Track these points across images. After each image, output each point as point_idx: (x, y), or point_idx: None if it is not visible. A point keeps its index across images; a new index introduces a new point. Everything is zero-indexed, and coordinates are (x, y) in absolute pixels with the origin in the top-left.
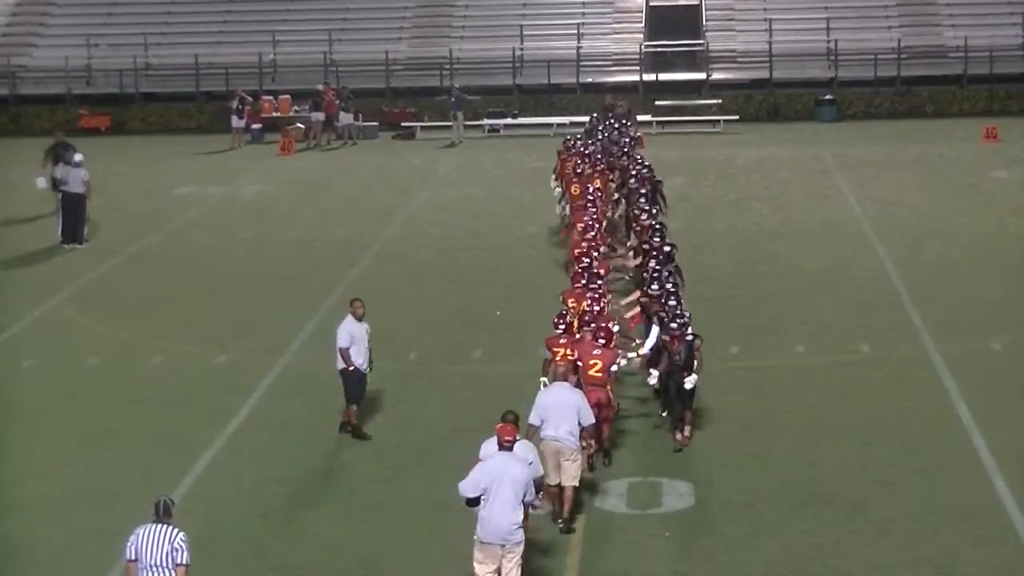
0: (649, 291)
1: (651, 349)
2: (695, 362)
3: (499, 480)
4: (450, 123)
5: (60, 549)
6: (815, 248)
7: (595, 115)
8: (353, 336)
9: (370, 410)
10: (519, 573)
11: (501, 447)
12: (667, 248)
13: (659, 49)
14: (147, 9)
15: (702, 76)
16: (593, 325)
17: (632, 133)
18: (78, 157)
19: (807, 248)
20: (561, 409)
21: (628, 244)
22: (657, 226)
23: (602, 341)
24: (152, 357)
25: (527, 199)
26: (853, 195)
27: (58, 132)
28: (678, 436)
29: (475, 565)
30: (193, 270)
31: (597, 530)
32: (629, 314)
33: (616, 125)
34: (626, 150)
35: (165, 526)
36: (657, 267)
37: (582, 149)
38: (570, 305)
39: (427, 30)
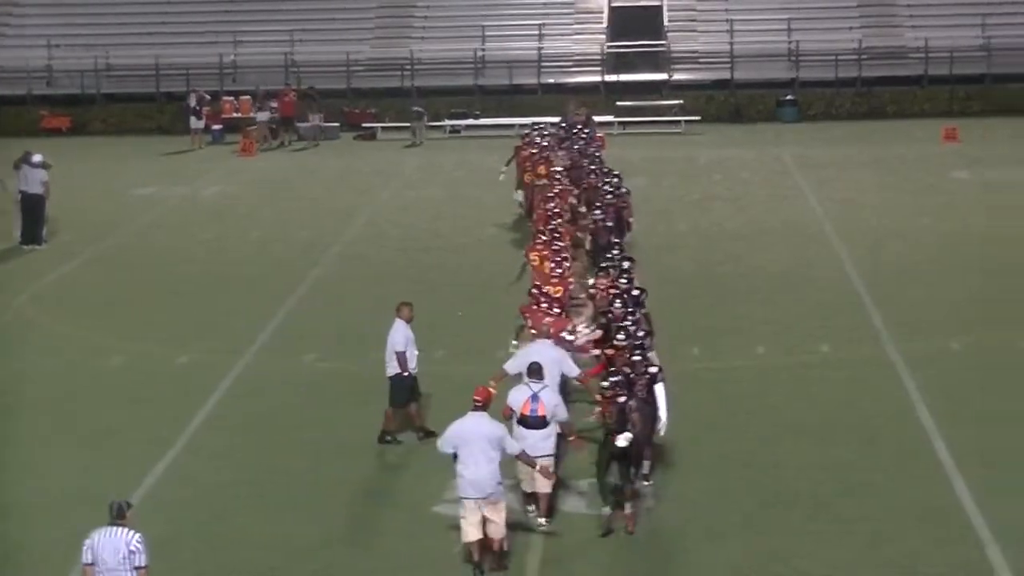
0: (616, 341)
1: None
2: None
3: (469, 439)
4: (410, 124)
5: (13, 552)
6: (776, 249)
7: (561, 122)
8: (408, 339)
9: (331, 411)
10: (503, 521)
11: (474, 407)
12: (636, 292)
13: (621, 50)
14: (108, 10)
15: (664, 77)
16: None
17: (594, 142)
18: (37, 158)
19: (768, 249)
20: (543, 364)
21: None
22: (625, 266)
23: (556, 311)
24: (113, 358)
25: (489, 200)
26: (814, 196)
27: None
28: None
29: (461, 521)
30: (154, 271)
31: (558, 531)
32: (592, 348)
33: (582, 134)
34: (594, 168)
35: (120, 528)
36: (627, 313)
37: (537, 139)
38: (531, 258)
39: (388, 31)
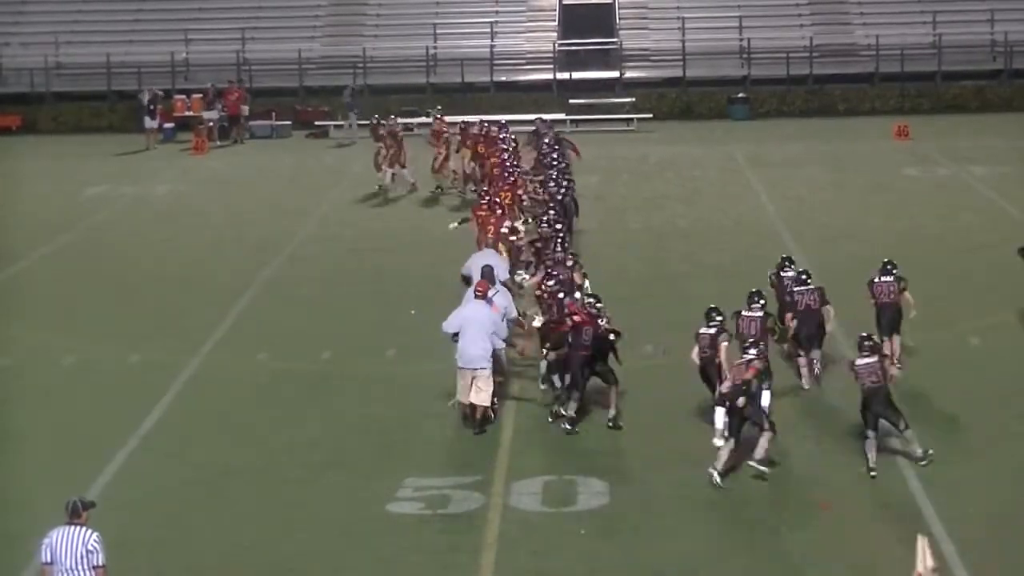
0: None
1: None
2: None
3: (470, 321)
4: (342, 122)
5: None
6: (729, 247)
7: (545, 143)
8: None
9: (285, 410)
10: (488, 391)
11: (476, 296)
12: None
13: (573, 47)
14: (58, 7)
15: (615, 74)
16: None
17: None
18: None
19: (721, 247)
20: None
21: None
22: None
23: (498, 212)
24: (64, 358)
25: (441, 198)
26: (766, 194)
27: None
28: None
29: (457, 383)
30: (106, 270)
31: (512, 529)
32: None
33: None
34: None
35: (78, 527)
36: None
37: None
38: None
39: (340, 28)
